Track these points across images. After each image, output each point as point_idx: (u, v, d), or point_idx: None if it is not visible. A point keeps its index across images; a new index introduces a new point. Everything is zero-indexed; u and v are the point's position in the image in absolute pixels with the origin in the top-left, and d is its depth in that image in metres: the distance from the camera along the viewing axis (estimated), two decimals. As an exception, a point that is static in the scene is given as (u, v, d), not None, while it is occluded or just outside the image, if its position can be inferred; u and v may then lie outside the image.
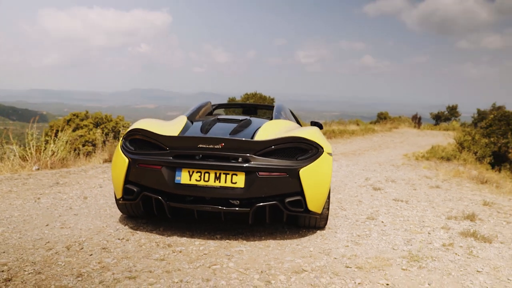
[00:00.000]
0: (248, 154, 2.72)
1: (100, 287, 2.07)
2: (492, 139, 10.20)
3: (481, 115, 22.43)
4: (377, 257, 2.58)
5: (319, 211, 2.91)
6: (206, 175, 2.71)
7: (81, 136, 10.41)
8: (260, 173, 2.68)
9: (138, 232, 2.99)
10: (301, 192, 2.75)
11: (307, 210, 2.82)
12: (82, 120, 12.19)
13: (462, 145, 10.67)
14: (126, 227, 3.10)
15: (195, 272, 2.29)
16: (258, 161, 2.71)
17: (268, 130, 3.10)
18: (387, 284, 2.16)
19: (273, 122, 3.37)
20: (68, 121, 12.11)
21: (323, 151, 2.89)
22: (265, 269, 2.35)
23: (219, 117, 3.65)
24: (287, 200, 2.73)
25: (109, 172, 5.52)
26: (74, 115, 12.39)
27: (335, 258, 2.55)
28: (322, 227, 3.21)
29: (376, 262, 2.48)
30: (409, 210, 3.98)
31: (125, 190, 2.88)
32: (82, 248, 2.62)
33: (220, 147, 2.72)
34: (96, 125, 12.36)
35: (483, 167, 9.20)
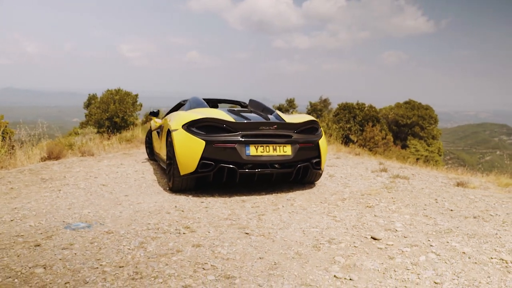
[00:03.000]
0: (291, 133, 3.99)
1: (248, 221, 3.07)
2: (340, 124, 13.48)
3: (313, 107, 27.44)
4: (370, 189, 4.24)
5: (322, 169, 4.40)
6: (267, 148, 3.86)
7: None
8: (300, 144, 4.00)
9: (206, 198, 3.87)
10: (319, 156, 4.19)
11: (320, 168, 4.27)
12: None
13: (321, 130, 13.64)
14: (190, 197, 3.92)
15: (287, 208, 3.47)
16: (297, 137, 4.02)
17: (285, 116, 4.39)
18: (392, 198, 3.83)
19: (278, 111, 4.65)
20: None
21: (321, 129, 4.38)
22: (324, 202, 3.71)
23: (233, 109, 4.71)
24: (313, 161, 4.13)
25: (74, 167, 5.67)
26: None
27: (351, 192, 4.09)
28: (315, 182, 4.69)
29: (372, 191, 4.13)
30: (345, 170, 5.83)
31: (202, 165, 3.74)
32: (191, 209, 3.42)
33: (274, 128, 3.91)
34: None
35: (341, 146, 12.21)
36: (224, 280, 2.01)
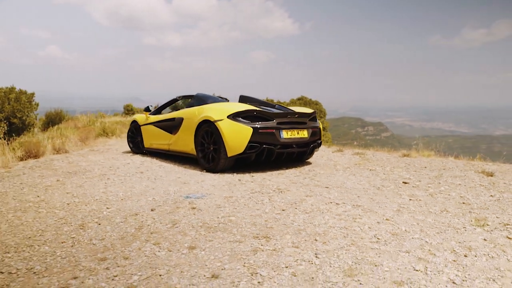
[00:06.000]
0: (306, 120, 5.23)
1: (312, 181, 4.21)
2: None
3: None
4: (354, 161, 5.74)
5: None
6: (294, 132, 5.02)
7: None
8: (312, 129, 5.26)
9: (250, 174, 4.82)
10: (320, 138, 5.53)
11: (319, 148, 5.62)
12: None
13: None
14: (235, 174, 4.82)
15: (319, 175, 4.71)
16: (310, 123, 5.27)
17: (291, 108, 5.60)
18: (378, 165, 5.38)
19: (278, 104, 5.82)
20: None
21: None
22: (338, 170, 5.05)
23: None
24: (318, 142, 5.45)
25: (78, 162, 5.85)
26: None
27: (345, 164, 5.52)
28: (308, 160, 6.02)
29: (359, 162, 5.64)
30: (311, 152, 7.26)
31: (250, 147, 4.70)
32: (255, 181, 4.37)
33: (296, 117, 5.08)
34: None
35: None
36: (357, 207, 3.17)
